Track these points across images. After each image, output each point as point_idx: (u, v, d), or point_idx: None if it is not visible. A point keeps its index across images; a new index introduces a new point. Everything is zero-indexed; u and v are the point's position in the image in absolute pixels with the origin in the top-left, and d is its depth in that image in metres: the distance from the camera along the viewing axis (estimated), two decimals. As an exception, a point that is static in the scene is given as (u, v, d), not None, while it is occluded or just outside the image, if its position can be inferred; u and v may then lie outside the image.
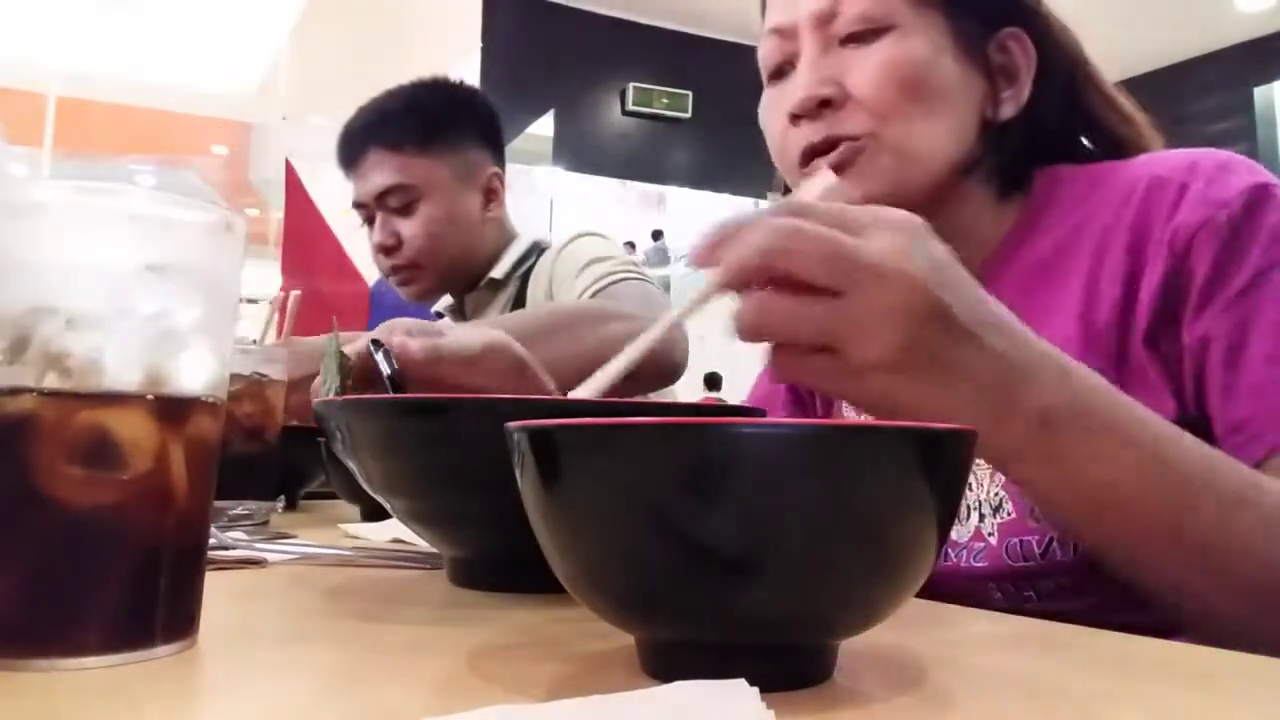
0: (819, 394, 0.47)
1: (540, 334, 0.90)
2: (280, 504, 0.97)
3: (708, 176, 6.28)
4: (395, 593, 0.52)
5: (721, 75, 6.18)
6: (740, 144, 6.41)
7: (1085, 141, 0.77)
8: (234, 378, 0.78)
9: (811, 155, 0.70)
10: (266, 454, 0.83)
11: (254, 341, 1.06)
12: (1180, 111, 5.85)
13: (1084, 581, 0.62)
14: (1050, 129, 0.74)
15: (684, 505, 0.29)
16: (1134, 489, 0.49)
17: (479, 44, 5.39)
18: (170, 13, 5.79)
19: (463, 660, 0.36)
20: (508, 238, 1.48)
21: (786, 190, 0.81)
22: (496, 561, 0.51)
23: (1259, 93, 5.83)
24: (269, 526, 0.78)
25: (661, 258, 6.33)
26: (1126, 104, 0.76)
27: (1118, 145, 0.75)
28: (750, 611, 0.30)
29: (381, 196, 1.39)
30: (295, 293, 1.18)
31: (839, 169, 0.69)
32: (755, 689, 0.28)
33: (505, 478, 0.34)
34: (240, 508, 0.77)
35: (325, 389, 0.64)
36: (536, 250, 1.45)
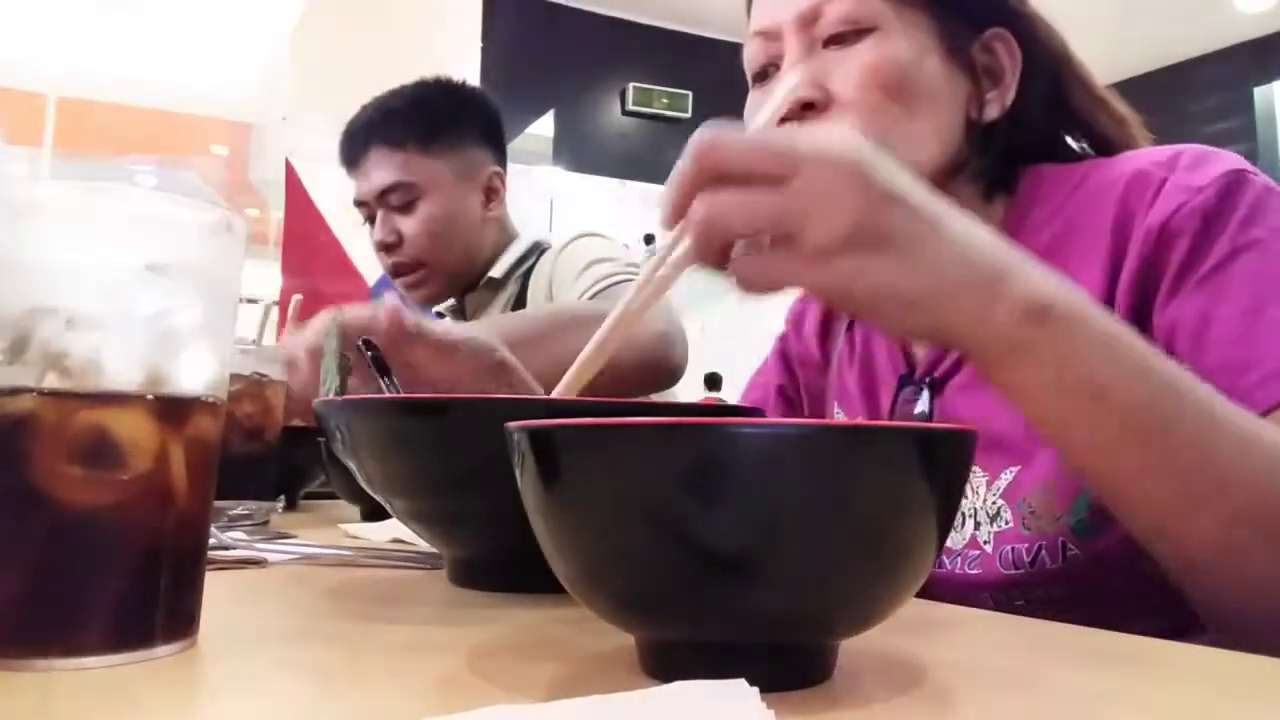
0: (793, 288, 0.45)
1: (538, 336, 0.90)
2: (280, 504, 0.97)
3: (708, 176, 6.27)
4: (395, 593, 0.52)
5: (721, 75, 6.16)
6: (740, 144, 6.40)
7: (1075, 142, 0.77)
8: (234, 378, 0.78)
9: None
10: (266, 454, 0.83)
11: (254, 343, 1.06)
12: (1180, 111, 5.85)
13: (1072, 591, 0.62)
14: (1036, 129, 0.73)
15: (684, 505, 0.29)
16: (1123, 392, 0.47)
17: (479, 44, 5.38)
18: (170, 13, 5.78)
19: (463, 660, 0.36)
20: (508, 237, 1.48)
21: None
22: (496, 561, 0.51)
23: (1259, 93, 5.83)
24: (269, 526, 0.78)
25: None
26: (1117, 105, 0.76)
27: (1108, 146, 0.75)
28: (750, 611, 0.30)
29: (383, 194, 1.39)
30: (297, 297, 1.18)
31: None
32: (755, 689, 0.28)
33: (505, 478, 0.34)
34: (240, 508, 0.77)
35: (325, 389, 0.64)
36: (537, 250, 1.46)
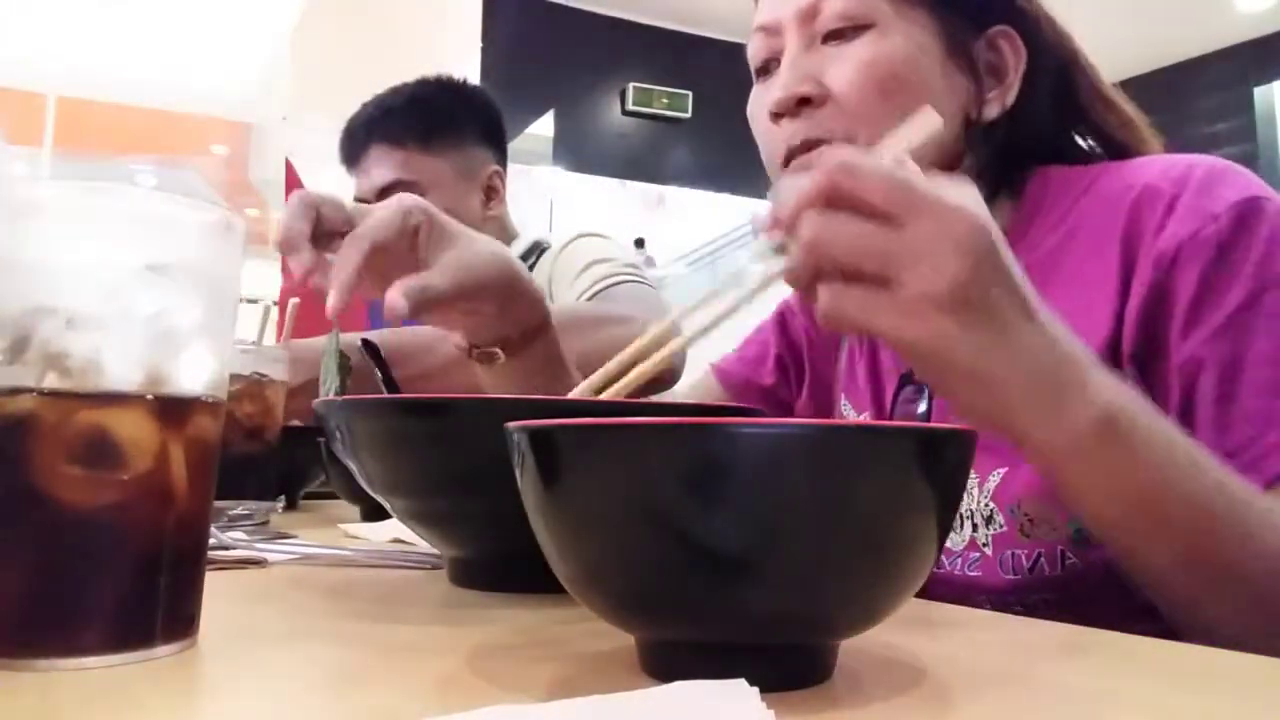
0: (869, 336, 0.45)
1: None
2: (280, 504, 0.97)
3: (708, 176, 6.28)
4: (395, 593, 0.52)
5: (721, 75, 6.16)
6: (740, 144, 6.38)
7: (1082, 142, 0.75)
8: (234, 378, 0.78)
9: (792, 157, 0.70)
10: (266, 454, 0.83)
11: (254, 343, 1.06)
12: (1180, 111, 5.84)
13: (1069, 597, 0.62)
14: (1040, 128, 0.72)
15: (684, 505, 0.29)
16: (1172, 500, 0.48)
17: (479, 44, 5.38)
18: (170, 12, 5.78)
19: (463, 660, 0.36)
20: (508, 237, 1.48)
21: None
22: (496, 561, 0.51)
23: (1259, 93, 5.83)
24: (269, 526, 0.78)
25: (646, 265, 6.32)
26: (1125, 106, 0.75)
27: (1115, 147, 0.74)
28: (750, 611, 0.30)
29: (383, 192, 1.39)
30: (294, 300, 1.18)
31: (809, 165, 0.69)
32: (755, 689, 0.28)
33: (505, 478, 0.34)
34: (240, 508, 0.77)
35: (325, 389, 0.64)
36: (537, 249, 1.46)
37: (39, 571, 0.33)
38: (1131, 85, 0.78)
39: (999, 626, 0.46)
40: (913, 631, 0.42)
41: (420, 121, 1.40)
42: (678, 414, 0.51)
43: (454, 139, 1.42)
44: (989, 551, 0.65)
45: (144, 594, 0.34)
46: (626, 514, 0.30)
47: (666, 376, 1.19)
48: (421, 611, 0.47)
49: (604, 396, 0.53)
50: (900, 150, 0.51)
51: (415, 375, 1.00)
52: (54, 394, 0.33)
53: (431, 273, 0.63)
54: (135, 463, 0.34)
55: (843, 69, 0.68)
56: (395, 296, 0.59)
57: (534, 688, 0.32)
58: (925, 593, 0.50)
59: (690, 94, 6.13)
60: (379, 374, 0.83)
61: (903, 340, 0.44)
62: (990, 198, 0.72)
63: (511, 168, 1.54)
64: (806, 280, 0.45)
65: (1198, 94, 5.85)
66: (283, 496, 0.99)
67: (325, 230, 0.63)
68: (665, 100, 6.11)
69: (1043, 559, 0.62)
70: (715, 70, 6.16)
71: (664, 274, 6.08)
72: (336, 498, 1.00)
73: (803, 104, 0.69)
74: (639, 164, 6.13)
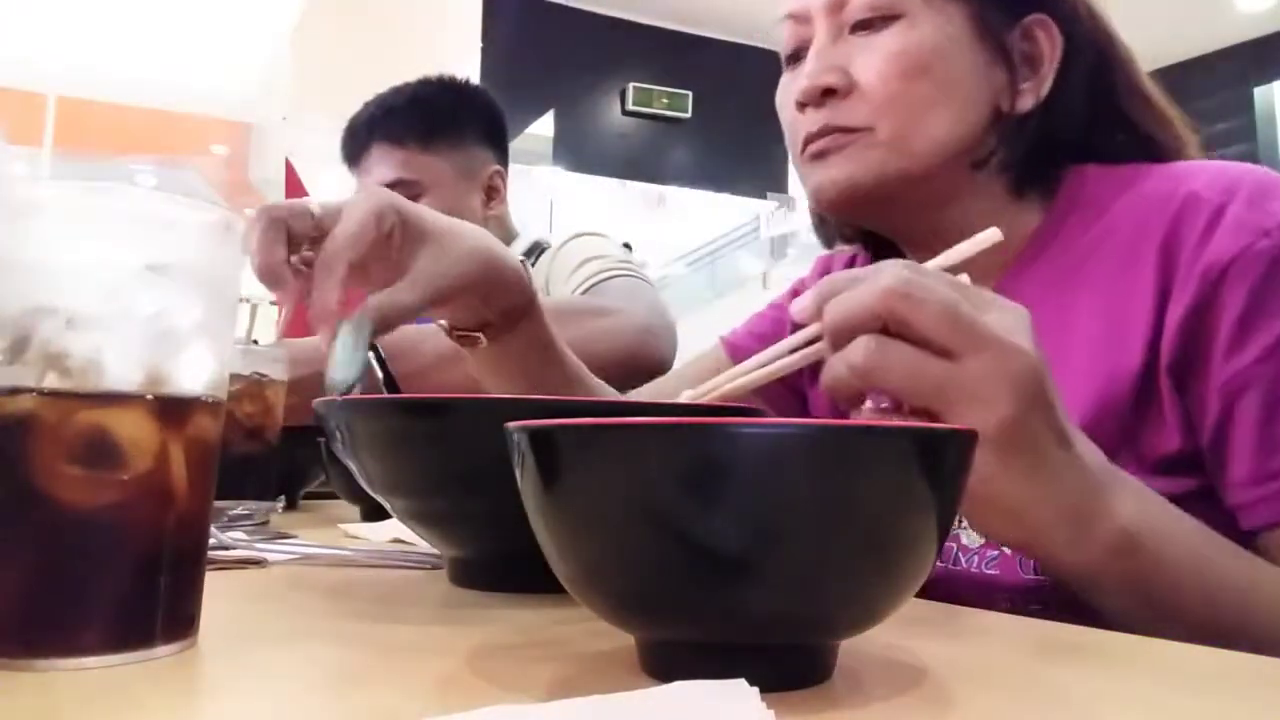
0: None
1: None
2: (280, 504, 0.97)
3: (708, 176, 6.28)
4: (395, 593, 0.52)
5: (721, 75, 6.17)
6: (740, 144, 6.41)
7: (1119, 139, 0.72)
8: (234, 378, 0.78)
9: (809, 143, 0.69)
10: (266, 454, 0.83)
11: (254, 342, 1.06)
12: (1180, 111, 5.85)
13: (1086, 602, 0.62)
14: (1074, 123, 0.70)
15: (684, 505, 0.29)
16: (1191, 598, 0.49)
17: (479, 44, 5.38)
18: (170, 12, 5.78)
19: (463, 660, 0.36)
20: (509, 237, 1.48)
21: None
22: (496, 561, 0.51)
23: (1259, 93, 5.83)
24: (269, 526, 0.78)
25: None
26: (1163, 102, 0.72)
27: (1151, 145, 0.71)
28: (750, 611, 0.30)
29: None
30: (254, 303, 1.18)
31: (825, 154, 0.68)
32: (755, 689, 0.28)
33: (505, 478, 0.34)
34: (240, 508, 0.77)
35: (338, 378, 0.61)
36: (537, 250, 1.46)
37: (39, 571, 0.33)
38: (1131, 85, 0.77)
39: (999, 626, 0.46)
40: (913, 631, 0.42)
41: (422, 121, 1.40)
42: (678, 414, 0.51)
43: (455, 139, 1.43)
44: (1009, 551, 0.65)
45: (144, 594, 0.34)
46: (626, 514, 0.30)
47: (654, 367, 1.19)
48: (421, 611, 0.47)
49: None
50: (955, 261, 0.50)
51: (407, 373, 1.00)
52: (54, 394, 0.33)
53: (401, 286, 0.60)
54: (135, 463, 0.34)
55: (870, 60, 0.67)
56: (368, 310, 0.58)
57: (534, 688, 0.32)
58: (942, 591, 0.50)
59: (690, 94, 6.13)
60: (379, 374, 0.83)
61: None
62: (1021, 194, 0.71)
63: (511, 168, 1.54)
64: (847, 396, 0.44)
65: (1198, 94, 5.85)
66: (283, 496, 0.99)
67: (296, 242, 0.60)
68: (665, 100, 6.11)
69: None
70: (715, 70, 6.17)
71: (664, 274, 6.09)
72: (336, 498, 1.00)
73: (828, 94, 0.68)
74: (639, 164, 6.13)
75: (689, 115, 6.15)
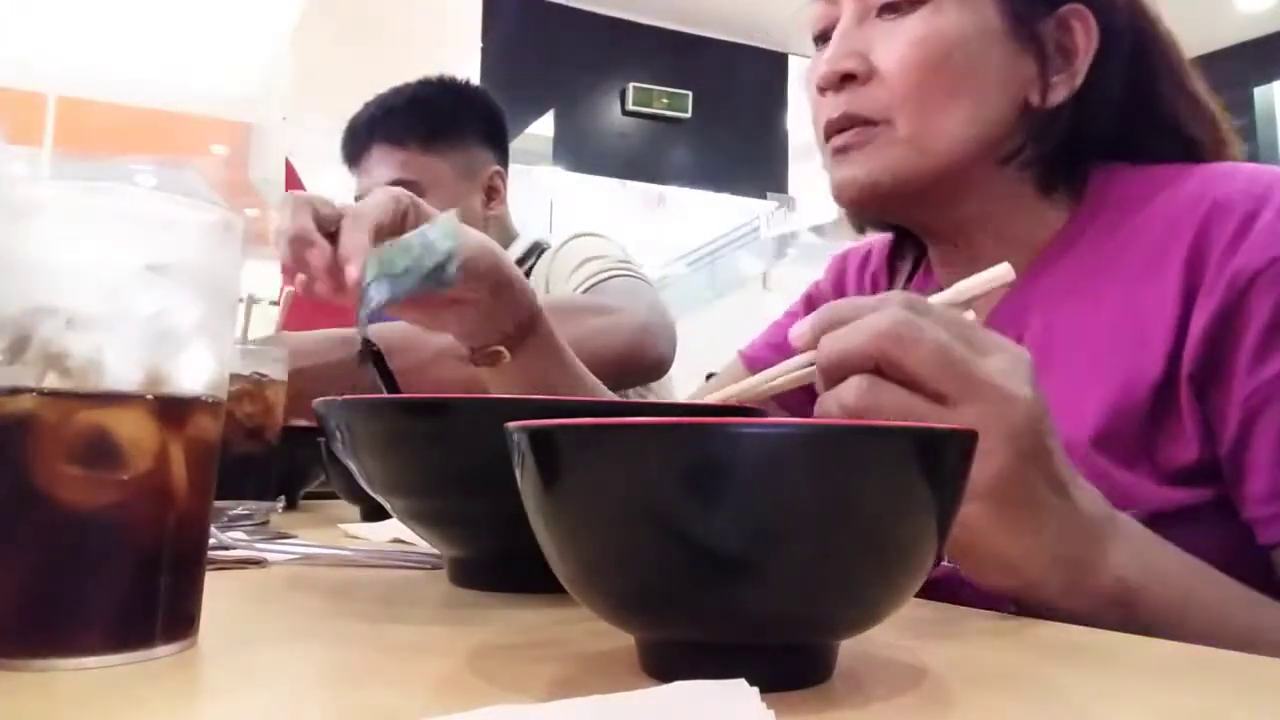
0: None
1: None
2: (280, 504, 0.97)
3: (708, 176, 6.29)
4: (395, 593, 0.52)
5: (721, 75, 6.18)
6: (740, 144, 6.41)
7: (1150, 136, 0.69)
8: (234, 378, 0.78)
9: (832, 131, 0.68)
10: (266, 454, 0.83)
11: (260, 340, 1.06)
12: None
13: None
14: (1108, 120, 0.67)
15: (684, 505, 0.29)
16: (1190, 634, 0.47)
17: (479, 44, 5.39)
18: (170, 12, 5.78)
19: (463, 660, 0.36)
20: (509, 237, 1.48)
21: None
22: (496, 561, 0.51)
23: (1259, 93, 5.83)
24: (269, 526, 0.78)
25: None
26: (1208, 101, 0.69)
27: (1190, 146, 0.68)
28: (750, 611, 0.30)
29: None
30: (288, 290, 1.19)
31: (846, 150, 0.67)
32: (755, 689, 0.28)
33: (505, 478, 0.34)
34: (240, 508, 0.77)
35: (385, 269, 0.61)
36: (537, 250, 1.46)
37: (39, 571, 0.33)
38: (1132, 85, 0.76)
39: (999, 626, 0.46)
40: (913, 631, 0.42)
41: (422, 122, 1.40)
42: (678, 414, 0.51)
43: (455, 139, 1.43)
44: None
45: (144, 594, 0.34)
46: (626, 514, 0.30)
47: (653, 366, 1.19)
48: (421, 611, 0.47)
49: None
50: (963, 297, 0.49)
51: (405, 368, 1.01)
52: (54, 394, 0.33)
53: None
54: (135, 463, 0.34)
55: (892, 46, 0.65)
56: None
57: (534, 688, 0.32)
58: (943, 592, 0.50)
59: (690, 94, 6.13)
60: (379, 374, 0.83)
61: None
62: (1048, 191, 0.69)
63: (512, 168, 1.54)
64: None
65: (1198, 94, 5.86)
66: (283, 496, 0.99)
67: (319, 225, 0.64)
68: (665, 100, 6.11)
69: None
70: (715, 70, 6.17)
71: (664, 274, 6.09)
72: (336, 498, 1.00)
73: (847, 80, 0.67)
74: (639, 164, 6.14)
75: (689, 115, 6.15)
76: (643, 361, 1.17)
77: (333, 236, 0.65)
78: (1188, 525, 0.53)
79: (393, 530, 0.72)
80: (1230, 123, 0.70)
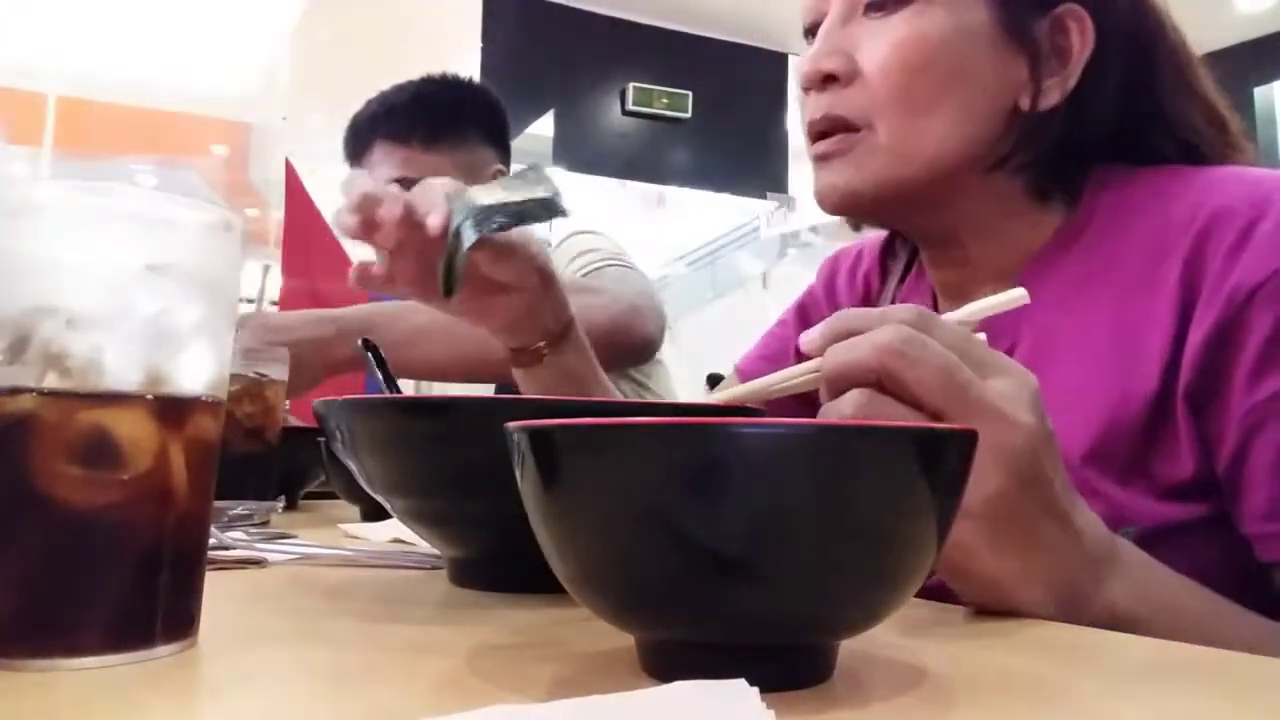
0: None
1: None
2: (280, 504, 0.97)
3: (708, 176, 6.29)
4: (395, 593, 0.52)
5: (721, 75, 6.17)
6: (740, 144, 6.41)
7: (1151, 139, 0.67)
8: (234, 378, 0.78)
9: (814, 132, 0.67)
10: (266, 454, 0.83)
11: (241, 318, 1.08)
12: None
13: None
14: (1101, 123, 0.65)
15: (684, 505, 0.29)
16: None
17: (479, 44, 5.39)
18: (170, 13, 5.79)
19: (463, 660, 0.36)
20: (509, 235, 1.49)
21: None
22: (496, 561, 0.51)
23: (1259, 93, 5.83)
24: (269, 526, 0.78)
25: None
26: (1217, 102, 0.67)
27: (1192, 151, 0.66)
28: (750, 611, 0.30)
29: None
30: (268, 264, 1.19)
31: (828, 158, 0.66)
32: (755, 689, 0.28)
33: (505, 478, 0.34)
34: (240, 508, 0.77)
35: (472, 211, 0.63)
36: (537, 248, 1.46)
37: (39, 571, 0.33)
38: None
39: (999, 626, 0.46)
40: (913, 631, 0.42)
41: (424, 119, 1.40)
42: (679, 414, 0.51)
43: (458, 137, 1.43)
44: None
45: (144, 594, 0.34)
46: (626, 514, 0.30)
47: (640, 345, 1.20)
48: (421, 611, 0.47)
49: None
50: (975, 317, 0.48)
51: (385, 343, 1.02)
52: (54, 394, 0.33)
53: None
54: (135, 463, 0.34)
55: (875, 46, 0.63)
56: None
57: (534, 688, 0.32)
58: (943, 591, 0.50)
59: (690, 94, 6.13)
60: (379, 374, 0.84)
61: None
62: (1042, 194, 0.67)
63: (512, 167, 1.54)
64: None
65: (1198, 94, 5.86)
66: (283, 496, 0.99)
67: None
68: (665, 100, 6.11)
69: None
70: (715, 70, 6.17)
71: (664, 274, 6.09)
72: (336, 498, 1.00)
73: (830, 80, 0.65)
74: (639, 164, 6.13)
75: (689, 115, 6.15)
76: (630, 339, 1.18)
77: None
78: (1182, 541, 0.53)
79: (393, 530, 0.72)
80: (1242, 128, 0.68)
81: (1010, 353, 0.62)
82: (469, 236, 0.62)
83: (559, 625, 0.43)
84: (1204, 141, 0.66)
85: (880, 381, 0.42)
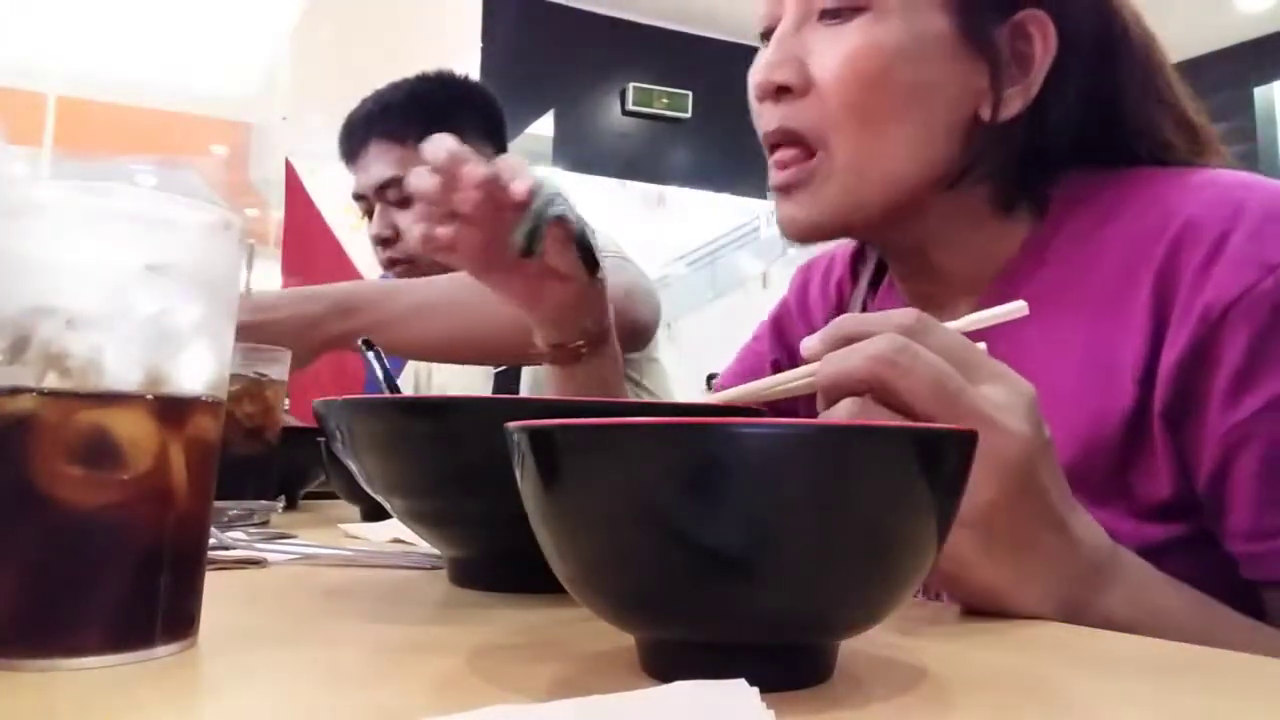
0: None
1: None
2: (280, 504, 0.97)
3: (708, 176, 6.29)
4: (395, 593, 0.52)
5: (721, 75, 6.16)
6: (740, 144, 6.41)
7: (1118, 145, 0.65)
8: (234, 378, 0.78)
9: (770, 144, 0.65)
10: (266, 454, 0.83)
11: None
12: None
13: None
14: (1064, 130, 0.63)
15: (684, 505, 0.29)
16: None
17: (479, 44, 5.39)
18: (170, 12, 5.79)
19: (463, 660, 0.36)
20: (509, 235, 1.48)
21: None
22: (496, 561, 0.51)
23: (1259, 93, 5.83)
24: (269, 526, 0.78)
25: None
26: (1188, 107, 0.65)
27: (1162, 155, 0.64)
28: (750, 611, 0.30)
29: (381, 189, 1.39)
30: (251, 241, 1.19)
31: (788, 190, 0.64)
32: (755, 689, 0.28)
33: (505, 478, 0.34)
34: (240, 508, 0.77)
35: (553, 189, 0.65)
36: (535, 250, 1.46)
37: (39, 571, 0.33)
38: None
39: (999, 626, 0.46)
40: (913, 631, 0.42)
41: (420, 117, 1.40)
42: (678, 414, 0.51)
43: (454, 135, 1.43)
44: None
45: (144, 594, 0.34)
46: (626, 514, 0.30)
47: (635, 330, 1.21)
48: (421, 611, 0.47)
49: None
50: (974, 327, 0.48)
51: (375, 322, 1.02)
52: (54, 394, 0.33)
53: None
54: (135, 463, 0.34)
55: (827, 56, 0.61)
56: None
57: (534, 688, 0.32)
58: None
59: (690, 94, 6.13)
60: (380, 374, 0.84)
61: None
62: (1009, 206, 0.65)
63: (511, 167, 1.54)
64: None
65: (1198, 94, 5.86)
66: (283, 496, 0.99)
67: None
68: (665, 100, 6.11)
69: None
70: (715, 70, 6.17)
71: (664, 274, 6.09)
72: (336, 498, 1.00)
73: (781, 92, 0.63)
74: (639, 164, 6.14)
75: (689, 115, 6.15)
76: (623, 321, 1.19)
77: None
78: (1161, 561, 0.52)
79: (393, 530, 0.72)
80: (1210, 127, 0.66)
81: None
82: (559, 203, 0.65)
83: (559, 625, 0.43)
84: (1172, 149, 0.64)
85: (873, 390, 0.42)
